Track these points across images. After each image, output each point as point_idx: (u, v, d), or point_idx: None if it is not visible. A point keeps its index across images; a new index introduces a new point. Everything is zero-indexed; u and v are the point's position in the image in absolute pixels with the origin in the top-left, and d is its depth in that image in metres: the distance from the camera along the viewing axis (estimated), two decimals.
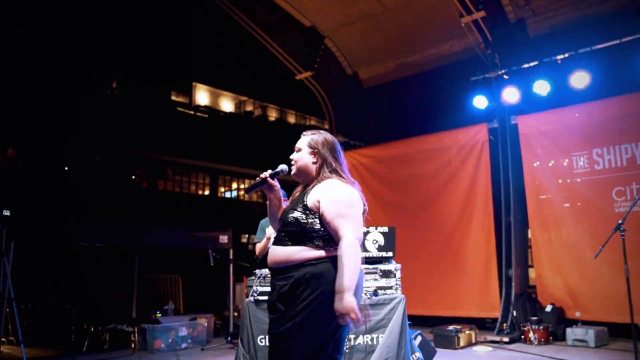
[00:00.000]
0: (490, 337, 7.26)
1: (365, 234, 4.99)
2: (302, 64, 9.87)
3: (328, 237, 2.44)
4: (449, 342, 6.79)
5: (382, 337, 4.44)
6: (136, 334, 7.44)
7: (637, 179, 7.00)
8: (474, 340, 7.11)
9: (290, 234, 2.47)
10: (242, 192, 22.74)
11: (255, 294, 4.50)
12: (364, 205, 2.55)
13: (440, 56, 9.41)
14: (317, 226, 2.44)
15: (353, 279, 2.28)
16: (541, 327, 6.97)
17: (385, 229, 5.05)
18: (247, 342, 4.44)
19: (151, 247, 12.40)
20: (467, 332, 7.01)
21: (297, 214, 2.48)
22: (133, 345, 7.45)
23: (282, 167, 2.78)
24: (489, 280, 8.07)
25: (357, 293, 2.34)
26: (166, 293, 10.12)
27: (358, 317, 2.24)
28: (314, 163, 2.61)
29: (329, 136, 2.68)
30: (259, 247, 4.72)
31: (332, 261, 2.38)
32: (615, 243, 4.95)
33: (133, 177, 19.14)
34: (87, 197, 14.64)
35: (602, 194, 7.28)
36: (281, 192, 2.83)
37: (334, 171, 2.57)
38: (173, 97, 22.79)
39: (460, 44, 9.07)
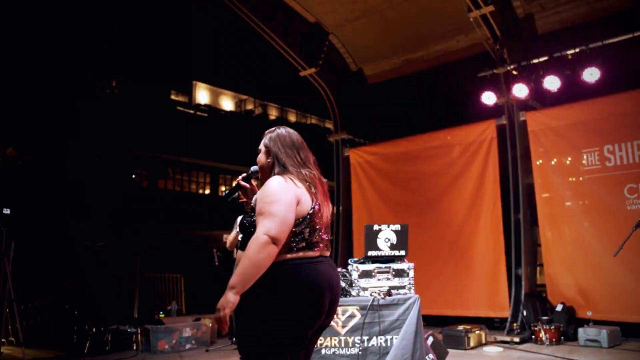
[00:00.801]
0: (500, 337, 7.13)
1: (378, 232, 4.85)
2: (306, 60, 9.73)
3: None
4: (459, 343, 6.66)
5: (396, 338, 4.31)
6: (139, 335, 7.30)
7: None
8: (484, 341, 6.97)
9: (243, 239, 2.49)
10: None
11: None
12: (312, 202, 2.41)
13: (447, 52, 9.27)
14: None
15: (242, 278, 2.18)
16: (552, 327, 6.84)
17: (397, 227, 4.92)
18: None
19: (152, 246, 12.31)
20: (477, 332, 6.88)
21: (245, 218, 2.51)
22: (135, 347, 7.32)
23: (253, 168, 2.76)
24: (497, 280, 7.94)
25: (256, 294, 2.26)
26: (168, 293, 10.00)
27: (223, 320, 2.16)
28: (268, 162, 2.56)
29: (284, 131, 2.61)
30: (227, 238, 4.66)
31: (280, 265, 2.29)
32: (630, 241, 4.81)
33: (133, 176, 19.02)
34: (88, 197, 14.54)
35: (614, 192, 7.15)
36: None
37: (283, 167, 2.48)
38: (173, 96, 22.69)
39: (467, 39, 8.94)
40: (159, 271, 10.54)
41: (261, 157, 2.61)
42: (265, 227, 2.22)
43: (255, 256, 2.19)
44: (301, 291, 2.27)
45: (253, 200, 2.49)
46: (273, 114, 26.32)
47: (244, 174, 2.81)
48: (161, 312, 7.88)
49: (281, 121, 26.20)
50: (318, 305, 2.31)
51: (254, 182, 2.85)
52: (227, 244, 4.61)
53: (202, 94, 24.69)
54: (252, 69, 22.84)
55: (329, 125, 26.57)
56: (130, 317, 8.35)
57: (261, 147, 2.64)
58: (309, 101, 22.59)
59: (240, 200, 2.89)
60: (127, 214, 15.07)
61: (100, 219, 13.56)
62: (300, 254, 2.34)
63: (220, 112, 24.37)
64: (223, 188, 22.20)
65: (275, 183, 2.37)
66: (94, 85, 17.70)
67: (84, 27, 16.72)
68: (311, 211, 2.39)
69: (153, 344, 7.03)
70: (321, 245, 2.44)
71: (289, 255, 2.32)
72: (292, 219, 2.31)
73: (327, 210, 2.53)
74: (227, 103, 25.69)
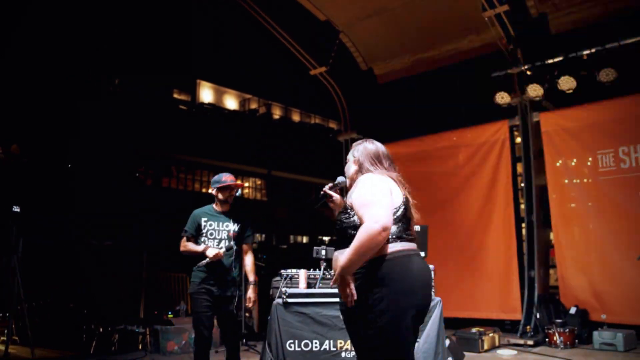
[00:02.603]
0: (513, 340, 7.06)
1: None
2: (316, 59, 9.66)
3: None
4: (473, 345, 6.58)
5: (418, 341, 4.23)
6: (147, 335, 7.21)
7: None
8: (497, 344, 6.90)
9: (339, 237, 2.58)
10: (246, 191, 22.52)
11: (285, 296, 4.28)
12: (403, 197, 2.55)
13: (458, 52, 9.19)
14: (359, 223, 2.43)
15: (349, 258, 2.31)
16: (567, 330, 6.77)
17: (417, 227, 4.82)
18: (275, 347, 4.22)
19: (158, 246, 12.22)
20: (491, 334, 6.80)
21: (340, 216, 2.60)
22: (141, 347, 7.22)
23: (340, 178, 2.95)
24: (510, 282, 7.87)
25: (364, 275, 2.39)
26: (174, 293, 9.91)
27: (342, 291, 2.38)
28: (355, 171, 2.74)
29: (370, 144, 2.79)
30: (183, 243, 4.44)
31: (379, 259, 2.38)
32: None
33: (137, 174, 18.95)
34: (92, 196, 14.47)
35: (629, 194, 7.09)
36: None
37: (368, 171, 2.66)
38: (175, 95, 22.60)
39: (479, 39, 8.85)
40: (165, 271, 10.46)
41: (350, 168, 2.79)
42: (373, 217, 2.31)
43: (364, 244, 2.28)
44: (410, 283, 2.38)
45: (349, 200, 2.58)
46: (277, 113, 26.23)
47: (330, 184, 2.96)
48: (170, 313, 7.78)
49: (285, 120, 26.13)
50: (425, 296, 2.45)
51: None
52: (180, 247, 4.46)
53: (206, 93, 24.59)
54: (256, 68, 22.74)
55: (332, 124, 26.53)
56: (138, 316, 8.27)
57: (349, 157, 2.81)
58: (313, 101, 22.56)
59: (320, 209, 3.00)
60: (132, 213, 14.98)
61: (106, 217, 13.48)
62: (399, 247, 2.43)
63: (224, 110, 24.28)
64: None
65: (368, 178, 2.55)
66: (96, 83, 17.62)
67: (87, 25, 16.63)
68: (404, 200, 2.54)
69: (162, 344, 6.94)
70: (414, 239, 2.56)
71: (389, 248, 2.41)
72: (392, 207, 2.44)
73: (415, 212, 2.64)
74: (230, 102, 25.59)
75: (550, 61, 7.58)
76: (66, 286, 8.80)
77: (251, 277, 4.32)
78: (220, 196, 4.41)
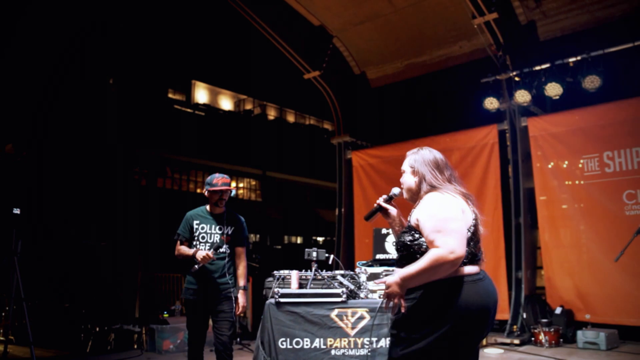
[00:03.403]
0: (500, 339, 7.25)
1: (386, 235, 4.96)
2: (310, 63, 9.83)
3: None
4: None
5: None
6: (144, 335, 7.36)
7: None
8: (484, 343, 7.08)
9: (402, 258, 2.51)
10: (240, 192, 22.66)
11: (277, 296, 4.45)
12: (473, 214, 2.47)
13: (450, 57, 9.39)
14: (425, 246, 2.40)
15: (412, 275, 2.28)
16: (552, 330, 6.97)
17: None
18: (268, 345, 4.39)
19: (153, 246, 12.36)
20: None
21: (404, 237, 2.50)
22: (136, 346, 7.35)
23: (395, 190, 2.85)
24: (498, 283, 8.05)
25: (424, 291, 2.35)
26: (170, 292, 10.05)
27: (387, 297, 2.34)
28: (416, 182, 2.63)
29: (427, 152, 2.68)
30: (177, 247, 4.40)
31: (449, 282, 2.32)
32: (629, 246, 4.92)
33: (132, 175, 19.04)
34: (87, 196, 14.55)
35: (613, 197, 7.28)
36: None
37: (432, 186, 2.55)
38: (170, 95, 22.69)
39: (470, 45, 9.05)
40: (161, 271, 10.59)
41: (407, 178, 2.68)
42: (450, 246, 2.24)
43: (433, 269, 2.25)
44: (471, 312, 2.30)
45: (414, 219, 2.49)
46: (272, 114, 26.39)
47: (385, 196, 2.88)
48: (165, 312, 7.93)
49: (280, 121, 26.27)
50: (484, 325, 2.37)
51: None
52: (176, 251, 4.38)
53: (201, 93, 24.73)
54: (251, 69, 22.89)
55: (327, 125, 26.71)
56: (133, 316, 8.40)
57: (405, 168, 2.70)
58: (308, 101, 22.72)
59: (369, 219, 2.95)
60: (127, 213, 15.10)
61: (101, 217, 13.60)
62: (466, 271, 2.36)
63: (219, 111, 24.41)
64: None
65: (439, 200, 2.44)
66: (91, 83, 17.69)
67: (82, 23, 16.72)
68: (474, 222, 2.45)
69: (158, 343, 7.09)
70: (481, 258, 2.47)
71: (456, 271, 2.33)
72: (466, 233, 2.36)
73: (481, 223, 2.55)
74: (225, 103, 25.74)
75: (537, 68, 7.77)
76: (62, 286, 8.91)
77: (241, 282, 4.34)
78: (211, 199, 4.40)
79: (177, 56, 21.33)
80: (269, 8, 9.22)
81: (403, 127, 9.59)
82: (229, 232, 4.38)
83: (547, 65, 7.66)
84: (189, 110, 22.14)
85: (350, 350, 4.47)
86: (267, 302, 4.51)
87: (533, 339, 7.13)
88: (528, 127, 8.08)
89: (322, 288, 4.60)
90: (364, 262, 4.95)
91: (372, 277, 4.74)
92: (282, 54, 9.84)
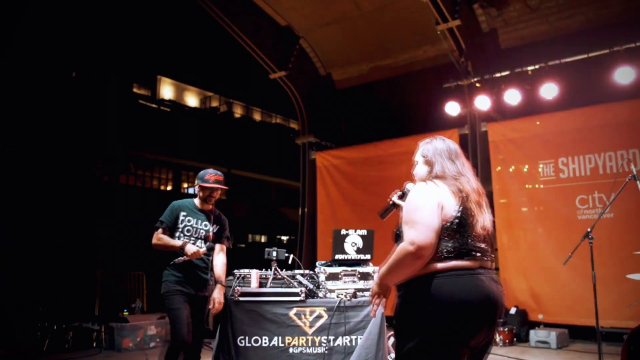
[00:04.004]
0: None
1: (345, 236, 5.04)
2: (276, 63, 9.86)
3: None
4: None
5: (361, 338, 4.50)
6: (102, 333, 7.27)
7: (599, 189, 7.29)
8: None
9: None
10: None
11: (237, 295, 4.49)
12: (459, 206, 2.29)
13: (414, 61, 9.56)
14: None
15: (385, 272, 2.30)
16: (506, 329, 7.19)
17: (364, 231, 5.12)
18: (227, 343, 4.42)
19: (113, 243, 12.17)
20: None
21: (400, 228, 2.39)
22: (95, 344, 7.26)
23: (408, 185, 2.73)
24: None
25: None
26: (130, 290, 9.94)
27: (372, 301, 2.41)
28: (428, 172, 2.50)
29: (440, 142, 2.57)
30: (157, 234, 4.14)
31: (423, 278, 2.23)
32: (579, 249, 5.12)
33: (93, 170, 18.66)
34: (45, 192, 14.21)
35: (566, 202, 7.55)
36: None
37: (437, 176, 2.43)
38: (135, 90, 22.32)
39: (434, 50, 9.23)
40: (121, 268, 10.45)
41: (420, 169, 2.57)
42: (410, 237, 2.18)
43: (398, 263, 2.22)
44: (452, 305, 2.15)
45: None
46: (238, 112, 26.25)
47: (399, 192, 2.80)
48: (125, 310, 7.85)
49: (246, 119, 26.16)
50: (469, 321, 2.17)
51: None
52: (153, 239, 4.15)
53: (167, 89, 24.43)
54: (218, 66, 22.73)
55: (293, 125, 26.73)
56: (92, 314, 8.28)
57: (418, 158, 2.60)
58: (275, 101, 22.68)
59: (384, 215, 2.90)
60: (88, 210, 14.80)
61: (60, 214, 13.30)
62: (452, 264, 2.22)
63: (184, 108, 24.17)
64: (185, 185, 22.04)
65: (417, 189, 2.35)
66: (52, 75, 17.26)
67: (45, 14, 16.30)
68: (458, 214, 2.28)
69: (117, 341, 7.03)
70: (478, 254, 2.29)
71: (439, 265, 2.22)
72: (437, 224, 2.22)
73: (484, 219, 2.39)
74: (191, 99, 25.50)
75: (498, 74, 7.98)
76: (19, 284, 8.72)
77: (222, 278, 4.28)
78: (201, 194, 4.28)
79: (142, 50, 20.99)
80: (236, 7, 9.21)
81: (367, 129, 9.71)
82: (215, 231, 4.32)
83: (507, 72, 7.88)
84: (154, 105, 21.83)
85: (308, 348, 4.54)
86: (227, 300, 4.53)
87: None
88: (488, 132, 8.30)
89: (281, 287, 4.66)
90: (323, 262, 5.03)
91: (331, 277, 4.82)
92: (249, 53, 9.84)
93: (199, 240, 4.22)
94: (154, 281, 10.31)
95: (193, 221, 4.24)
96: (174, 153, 20.10)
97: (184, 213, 4.22)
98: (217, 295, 4.21)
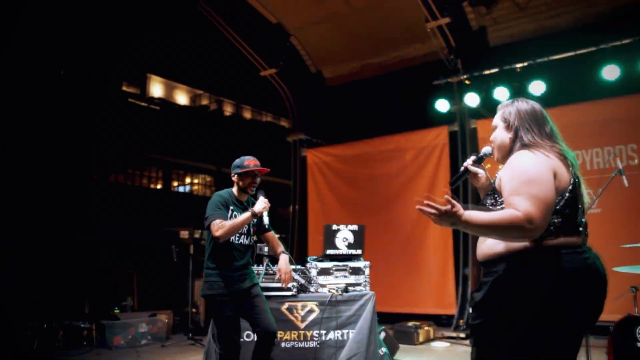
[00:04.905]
0: (447, 333, 7.51)
1: (336, 231, 5.08)
2: (267, 60, 9.88)
3: None
4: (409, 338, 6.98)
5: (352, 332, 4.55)
6: (94, 331, 7.26)
7: (586, 184, 7.28)
8: (432, 336, 7.33)
9: None
10: (195, 187, 22.43)
11: None
12: (571, 177, 2.10)
13: (404, 59, 9.61)
14: None
15: (478, 221, 1.96)
16: None
17: (355, 227, 5.16)
18: (219, 339, 4.44)
19: (104, 241, 12.14)
20: (426, 328, 7.23)
21: (486, 200, 2.24)
22: (86, 343, 7.24)
23: (485, 149, 2.46)
24: (446, 280, 8.33)
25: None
26: (121, 289, 9.92)
27: (436, 215, 2.03)
28: (510, 138, 2.25)
29: (524, 104, 2.30)
30: (218, 224, 3.62)
31: (537, 254, 2.01)
32: None
33: (83, 169, 18.56)
34: (35, 190, 14.12)
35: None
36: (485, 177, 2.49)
37: (526, 143, 2.17)
38: (124, 88, 22.23)
39: (424, 47, 9.28)
40: (111, 267, 10.43)
41: (500, 134, 2.31)
42: (529, 213, 1.90)
43: (502, 228, 1.93)
44: (569, 286, 1.97)
45: (497, 181, 2.20)
46: (228, 110, 26.21)
47: (474, 157, 2.51)
48: (116, 308, 7.84)
49: (236, 118, 26.13)
50: (590, 302, 2.04)
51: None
52: (219, 232, 3.57)
53: (156, 87, 24.36)
54: (208, 64, 22.69)
55: (284, 123, 26.72)
56: (83, 312, 8.26)
57: (497, 122, 2.34)
58: (265, 98, 22.67)
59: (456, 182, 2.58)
60: (77, 208, 14.72)
61: (49, 212, 13.22)
62: (562, 240, 2.02)
63: (174, 106, 24.09)
64: (175, 183, 21.96)
65: (526, 158, 2.08)
66: (41, 74, 17.14)
67: (34, 13, 16.19)
68: (571, 187, 2.08)
69: (108, 339, 7.02)
70: (582, 229, 2.10)
71: (550, 241, 2.01)
72: (554, 200, 1.99)
73: (584, 191, 2.19)
74: (181, 97, 25.43)
75: (487, 72, 8.06)
76: (9, 283, 8.67)
77: (282, 247, 4.07)
78: (241, 183, 3.87)
79: (132, 48, 20.93)
80: (226, 4, 9.21)
81: (358, 126, 9.74)
82: (256, 222, 3.96)
83: (496, 69, 7.97)
84: (143, 104, 21.74)
85: (299, 342, 4.58)
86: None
87: None
88: (477, 129, 8.37)
89: (273, 282, 4.68)
90: (315, 257, 5.06)
91: (322, 272, 4.86)
92: (239, 51, 9.84)
93: (243, 236, 3.86)
94: (144, 280, 10.32)
95: (238, 215, 3.81)
96: (164, 151, 20.02)
97: (232, 207, 3.83)
98: (284, 266, 3.94)
